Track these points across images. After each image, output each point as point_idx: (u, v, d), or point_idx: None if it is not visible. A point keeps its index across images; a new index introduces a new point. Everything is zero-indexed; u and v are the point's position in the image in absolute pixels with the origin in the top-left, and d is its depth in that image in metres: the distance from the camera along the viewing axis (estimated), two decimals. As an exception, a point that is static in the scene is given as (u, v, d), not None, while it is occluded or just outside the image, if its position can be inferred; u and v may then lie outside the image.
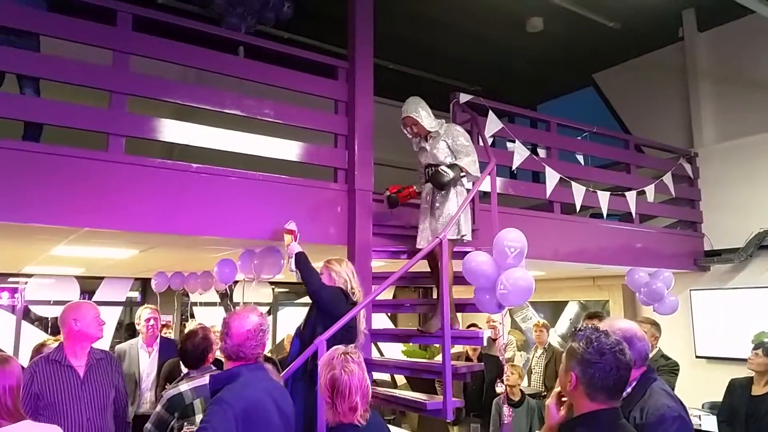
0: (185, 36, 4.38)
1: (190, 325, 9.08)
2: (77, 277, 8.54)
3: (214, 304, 8.64)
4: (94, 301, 8.65)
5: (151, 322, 5.17)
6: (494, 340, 7.11)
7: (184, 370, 3.80)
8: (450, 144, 4.40)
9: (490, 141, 5.69)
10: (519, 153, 5.84)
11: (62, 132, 3.88)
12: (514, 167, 5.85)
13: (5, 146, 3.61)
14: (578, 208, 6.16)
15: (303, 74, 4.77)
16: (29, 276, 8.20)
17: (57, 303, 8.45)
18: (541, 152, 6.31)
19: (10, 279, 8.31)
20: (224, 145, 4.35)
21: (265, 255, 4.89)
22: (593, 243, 6.34)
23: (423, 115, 4.41)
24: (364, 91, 4.90)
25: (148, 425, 3.36)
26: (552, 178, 5.97)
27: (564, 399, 2.06)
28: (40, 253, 5.45)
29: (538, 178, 6.47)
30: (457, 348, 6.50)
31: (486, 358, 5.99)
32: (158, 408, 3.34)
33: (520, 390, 5.57)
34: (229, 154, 4.34)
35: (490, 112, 5.68)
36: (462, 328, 5.00)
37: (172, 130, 4.19)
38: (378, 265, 5.20)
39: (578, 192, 6.12)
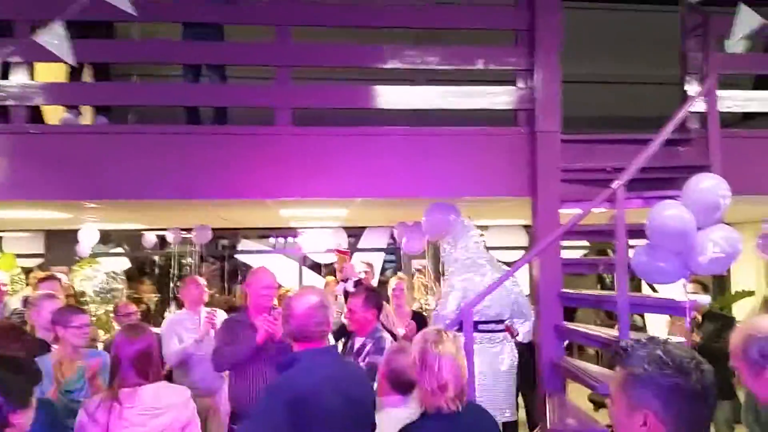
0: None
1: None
2: (346, 228, 9.51)
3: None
4: (359, 248, 9.71)
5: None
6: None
7: None
8: None
9: (740, 46, 4.37)
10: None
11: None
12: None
13: (202, 132, 4.13)
14: None
15: (476, 8, 4.28)
16: (307, 228, 9.44)
17: (329, 251, 9.62)
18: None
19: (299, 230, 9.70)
20: (394, 103, 4.20)
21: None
22: None
23: None
24: (550, 14, 4.16)
25: None
26: None
27: None
28: (275, 215, 6.15)
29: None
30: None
31: (709, 316, 4.78)
32: None
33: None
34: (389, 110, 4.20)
35: (741, 4, 4.30)
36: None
37: (350, 94, 4.24)
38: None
39: None
